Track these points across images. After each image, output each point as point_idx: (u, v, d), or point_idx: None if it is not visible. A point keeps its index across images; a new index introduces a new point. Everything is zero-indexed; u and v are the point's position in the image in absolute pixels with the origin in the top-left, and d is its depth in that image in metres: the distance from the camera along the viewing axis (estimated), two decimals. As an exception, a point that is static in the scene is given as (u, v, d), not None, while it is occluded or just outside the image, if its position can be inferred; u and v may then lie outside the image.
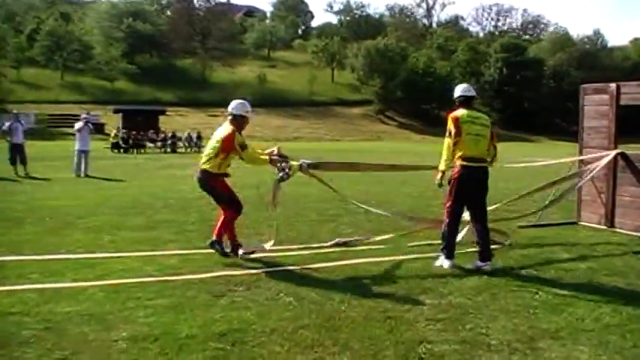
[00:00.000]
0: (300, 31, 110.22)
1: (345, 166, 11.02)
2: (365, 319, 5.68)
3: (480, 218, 7.93)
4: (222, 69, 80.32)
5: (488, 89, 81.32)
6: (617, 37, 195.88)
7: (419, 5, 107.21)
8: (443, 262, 7.82)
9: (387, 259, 8.22)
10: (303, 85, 78.38)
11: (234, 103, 8.40)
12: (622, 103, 10.77)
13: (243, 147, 8.14)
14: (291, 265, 7.83)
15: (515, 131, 74.33)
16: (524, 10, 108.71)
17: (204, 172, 8.13)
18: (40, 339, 5.13)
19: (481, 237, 7.83)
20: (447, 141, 7.80)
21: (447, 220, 7.95)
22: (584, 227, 10.99)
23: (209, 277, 7.13)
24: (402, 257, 8.31)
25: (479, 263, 7.71)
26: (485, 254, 7.74)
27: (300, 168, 8.61)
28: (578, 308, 6.11)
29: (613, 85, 11.01)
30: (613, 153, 10.59)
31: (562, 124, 73.19)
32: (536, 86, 78.38)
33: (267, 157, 8.49)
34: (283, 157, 8.57)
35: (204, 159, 8.20)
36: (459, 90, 8.15)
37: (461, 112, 7.87)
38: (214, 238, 8.08)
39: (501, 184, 15.66)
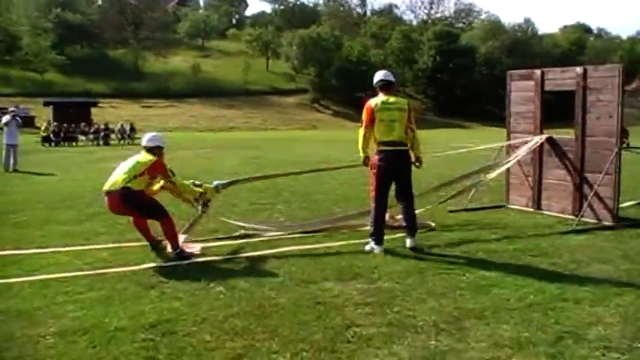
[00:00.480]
0: (234, 21, 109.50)
1: (261, 179, 10.99)
2: (294, 306, 5.73)
3: (404, 197, 8.16)
4: (155, 59, 79.29)
5: (422, 77, 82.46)
6: (547, 25, 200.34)
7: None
8: (373, 247, 7.96)
9: (318, 246, 8.28)
10: (238, 74, 78.03)
11: (148, 136, 8.24)
12: (546, 89, 11.05)
13: (173, 174, 8.04)
14: (222, 255, 7.83)
15: (448, 118, 75.56)
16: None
17: (125, 189, 7.63)
18: (-36, 336, 5.04)
19: (406, 214, 8.11)
20: (360, 131, 8.15)
21: (374, 206, 8.15)
22: (513, 210, 11.25)
23: (140, 270, 7.08)
24: (333, 244, 8.38)
25: (408, 241, 8.00)
26: (411, 231, 8.06)
27: (216, 190, 8.62)
28: (503, 288, 6.27)
29: (538, 72, 11.28)
30: (543, 137, 10.87)
31: (494, 110, 74.48)
32: (469, 73, 79.75)
33: (197, 189, 8.33)
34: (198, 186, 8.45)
35: (120, 179, 7.71)
36: (379, 75, 8.45)
37: (375, 100, 8.14)
38: (175, 249, 7.77)
39: (434, 170, 15.86)
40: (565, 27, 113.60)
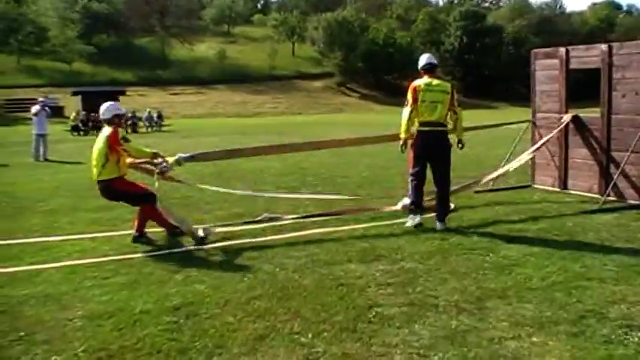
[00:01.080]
0: (259, 6, 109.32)
1: (224, 154, 10.88)
2: (317, 287, 5.78)
3: (441, 183, 8.39)
4: (181, 46, 79.48)
5: (449, 58, 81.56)
6: (576, 3, 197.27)
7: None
8: (410, 220, 8.29)
9: (341, 228, 8.31)
10: (264, 60, 77.91)
11: (103, 108, 8.07)
12: (572, 67, 10.94)
13: (126, 140, 7.92)
14: (246, 238, 7.89)
15: (476, 98, 74.82)
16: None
17: (100, 183, 7.75)
18: (-6, 321, 5.16)
19: (440, 198, 8.36)
20: (404, 110, 8.44)
21: (410, 179, 8.51)
22: (538, 190, 11.18)
23: (165, 254, 7.18)
24: (357, 226, 8.41)
25: (438, 224, 8.19)
26: (441, 215, 8.26)
27: (178, 163, 8.49)
28: (526, 268, 6.27)
29: (562, 50, 11.17)
30: (569, 116, 10.79)
31: (522, 90, 73.75)
32: (496, 53, 78.79)
33: (150, 152, 8.20)
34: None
35: (95, 171, 7.77)
36: (424, 59, 8.75)
37: (419, 81, 8.45)
38: (135, 233, 7.86)
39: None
40: (594, 4, 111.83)
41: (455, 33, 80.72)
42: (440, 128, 8.32)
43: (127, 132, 37.30)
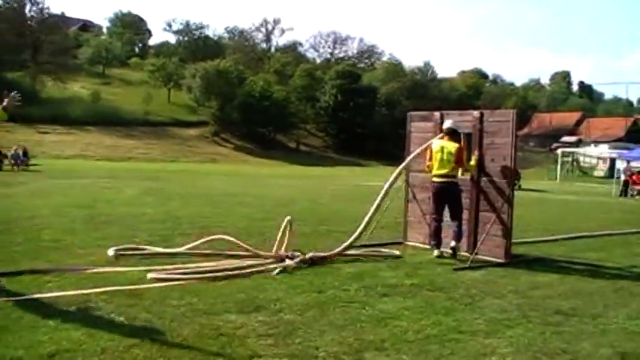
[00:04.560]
0: (137, 49, 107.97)
1: None
2: (197, 337, 5.71)
3: (453, 218, 10.80)
4: (54, 84, 77.06)
5: (324, 114, 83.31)
6: (446, 69, 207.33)
7: (258, 29, 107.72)
8: (435, 252, 10.71)
9: (219, 275, 8.25)
10: (139, 104, 76.74)
11: None
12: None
13: None
14: (123, 284, 7.68)
15: (348, 155, 76.55)
16: (361, 39, 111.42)
17: None
18: None
19: (455, 227, 10.75)
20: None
21: (431, 219, 11.05)
22: (410, 246, 11.54)
23: (36, 298, 6.88)
24: (233, 273, 8.38)
25: (452, 242, 10.63)
26: (456, 239, 10.67)
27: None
28: (402, 321, 6.44)
29: (437, 114, 11.74)
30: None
31: (393, 149, 75.99)
32: (370, 113, 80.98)
33: None
34: None
35: None
36: (448, 123, 11.00)
37: (435, 142, 10.98)
38: None
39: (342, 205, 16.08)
40: (463, 72, 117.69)
41: (330, 91, 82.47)
42: (448, 179, 10.69)
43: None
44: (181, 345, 5.50)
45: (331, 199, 21.65)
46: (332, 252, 9.96)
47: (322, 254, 9.79)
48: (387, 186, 11.05)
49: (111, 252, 9.37)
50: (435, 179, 10.74)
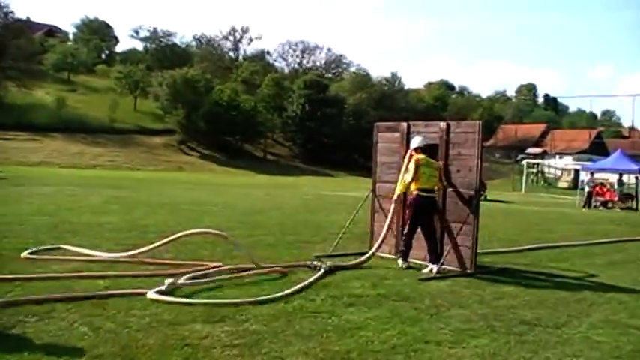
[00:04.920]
0: (103, 56, 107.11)
1: None
2: (162, 347, 5.66)
3: (429, 234, 10.77)
4: (18, 90, 76.06)
5: (291, 124, 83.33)
6: (413, 81, 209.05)
7: (226, 38, 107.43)
8: (399, 262, 10.76)
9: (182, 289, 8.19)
10: (105, 111, 76.08)
11: None
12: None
13: None
14: (87, 293, 7.57)
15: (315, 165, 76.62)
16: (329, 49, 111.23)
17: None
18: None
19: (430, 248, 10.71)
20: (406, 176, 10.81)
21: (406, 235, 10.85)
22: (377, 257, 11.54)
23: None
24: (199, 286, 8.34)
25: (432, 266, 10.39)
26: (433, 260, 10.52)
27: None
28: (368, 331, 6.46)
29: (404, 124, 11.82)
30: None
31: (360, 159, 76.18)
32: (337, 123, 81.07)
33: None
34: None
35: None
36: (419, 141, 10.88)
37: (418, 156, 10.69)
38: None
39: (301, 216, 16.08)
40: (430, 83, 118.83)
41: (298, 100, 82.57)
42: (433, 195, 10.68)
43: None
44: (146, 355, 5.45)
45: (297, 209, 21.65)
46: (351, 262, 10.47)
47: (342, 264, 10.28)
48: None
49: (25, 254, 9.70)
50: (421, 193, 10.57)
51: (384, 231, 11.09)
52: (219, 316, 6.81)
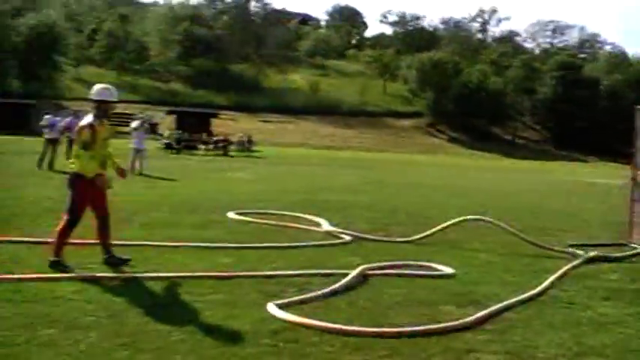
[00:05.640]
0: (354, 41, 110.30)
1: None
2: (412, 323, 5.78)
3: None
4: (274, 75, 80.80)
5: (541, 107, 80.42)
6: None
7: (474, 20, 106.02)
8: None
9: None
10: (355, 95, 78.47)
11: (95, 88, 7.60)
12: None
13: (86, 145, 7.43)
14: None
15: (566, 150, 73.46)
16: (582, 28, 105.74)
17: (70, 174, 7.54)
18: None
19: None
20: None
21: None
22: (635, 248, 10.85)
23: (259, 276, 7.28)
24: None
25: None
26: None
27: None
28: (625, 328, 6.09)
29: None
30: None
31: (614, 145, 71.74)
32: (591, 106, 76.98)
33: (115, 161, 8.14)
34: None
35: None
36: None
37: None
38: (51, 257, 7.16)
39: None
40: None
41: (549, 82, 79.46)
42: None
43: (216, 155, 38.02)
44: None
45: (549, 195, 20.96)
46: (615, 255, 9.90)
47: (606, 255, 9.76)
48: None
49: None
50: None
51: None
52: (468, 300, 6.79)
